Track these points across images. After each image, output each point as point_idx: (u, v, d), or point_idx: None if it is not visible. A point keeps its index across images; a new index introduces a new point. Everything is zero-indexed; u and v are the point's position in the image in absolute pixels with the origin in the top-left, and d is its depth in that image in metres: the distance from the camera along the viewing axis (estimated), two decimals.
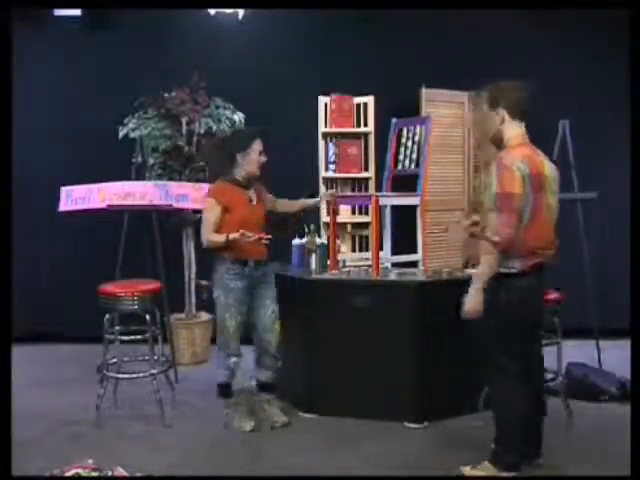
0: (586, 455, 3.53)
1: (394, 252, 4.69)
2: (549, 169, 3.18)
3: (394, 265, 4.64)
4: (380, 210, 4.37)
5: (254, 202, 3.98)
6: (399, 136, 4.97)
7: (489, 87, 3.26)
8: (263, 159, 3.96)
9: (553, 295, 3.79)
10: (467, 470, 3.29)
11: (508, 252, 3.07)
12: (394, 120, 4.93)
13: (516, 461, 3.21)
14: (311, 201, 4.37)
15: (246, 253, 3.86)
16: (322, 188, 5.48)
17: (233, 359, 3.93)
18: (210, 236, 3.84)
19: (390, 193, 4.83)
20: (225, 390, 4.04)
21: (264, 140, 3.96)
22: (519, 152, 3.11)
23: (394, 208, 4.66)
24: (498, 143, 3.24)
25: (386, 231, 4.61)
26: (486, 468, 3.23)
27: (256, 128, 4.18)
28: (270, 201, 4.14)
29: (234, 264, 3.86)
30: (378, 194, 4.52)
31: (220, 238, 3.79)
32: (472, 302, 3.12)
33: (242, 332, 3.96)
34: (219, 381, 4.03)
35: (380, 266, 4.28)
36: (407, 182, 4.81)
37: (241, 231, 3.71)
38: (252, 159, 3.92)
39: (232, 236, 3.74)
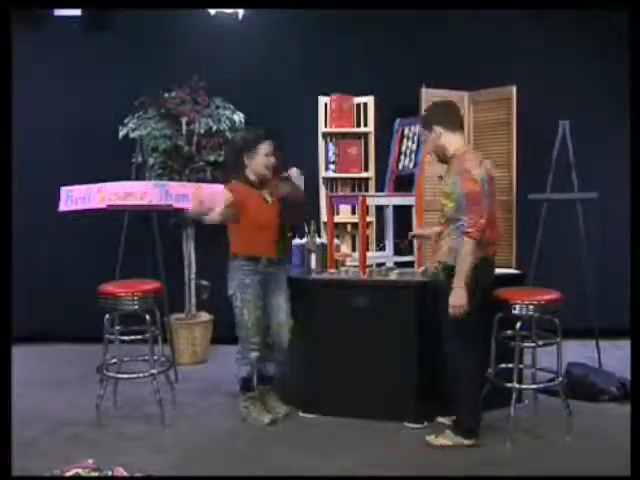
0: (586, 455, 3.53)
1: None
2: (491, 169, 3.58)
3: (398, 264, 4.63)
4: (381, 210, 4.37)
5: (269, 202, 4.01)
6: (402, 136, 4.96)
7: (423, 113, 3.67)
8: (271, 160, 3.98)
9: (553, 295, 3.79)
10: (432, 439, 3.63)
11: (480, 242, 3.40)
12: (398, 120, 4.93)
13: (473, 428, 3.58)
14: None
15: (258, 251, 3.94)
16: (322, 188, 5.49)
17: (254, 354, 3.97)
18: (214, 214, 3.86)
19: (392, 193, 4.82)
20: (248, 384, 4.08)
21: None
22: (471, 157, 3.49)
23: (394, 208, 4.66)
24: (442, 157, 3.57)
25: (388, 231, 4.60)
26: (448, 436, 3.61)
27: (262, 129, 4.15)
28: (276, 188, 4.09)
29: (247, 261, 3.93)
30: (365, 194, 4.52)
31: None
32: (457, 298, 3.42)
33: (262, 326, 3.99)
34: (241, 376, 4.06)
35: (385, 265, 4.31)
36: (409, 182, 4.82)
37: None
38: (258, 161, 3.97)
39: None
